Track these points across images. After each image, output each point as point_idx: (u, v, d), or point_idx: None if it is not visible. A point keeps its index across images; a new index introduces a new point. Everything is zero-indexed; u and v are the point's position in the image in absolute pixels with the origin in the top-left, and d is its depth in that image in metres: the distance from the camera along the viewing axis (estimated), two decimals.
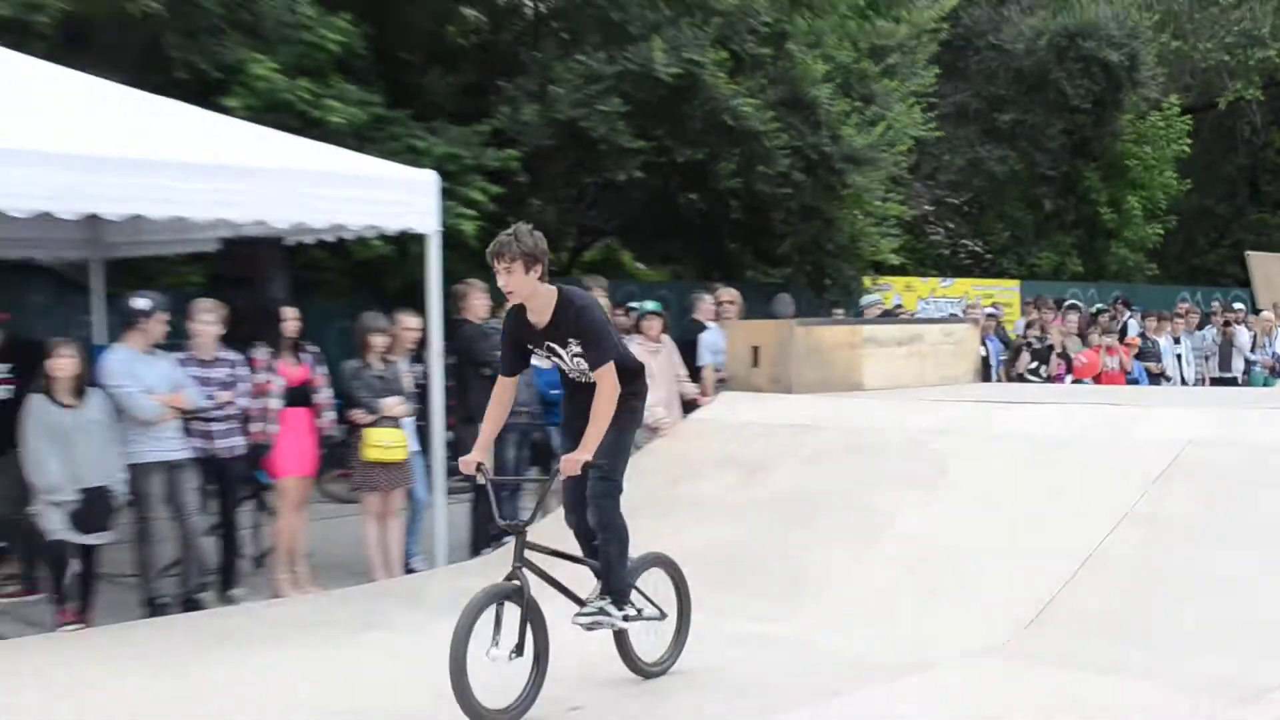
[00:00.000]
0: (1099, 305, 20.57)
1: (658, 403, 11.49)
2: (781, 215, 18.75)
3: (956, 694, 6.66)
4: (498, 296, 11.52)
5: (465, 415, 10.78)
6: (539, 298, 6.29)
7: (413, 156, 13.36)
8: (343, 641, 8.05)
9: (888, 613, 7.95)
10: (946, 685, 6.81)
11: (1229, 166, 33.60)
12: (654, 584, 6.96)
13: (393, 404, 10.02)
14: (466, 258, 14.63)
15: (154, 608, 9.08)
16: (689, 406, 11.79)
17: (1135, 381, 15.90)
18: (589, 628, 6.45)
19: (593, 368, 6.29)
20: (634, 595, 6.70)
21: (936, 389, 11.80)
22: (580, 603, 6.50)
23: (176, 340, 9.74)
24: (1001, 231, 27.21)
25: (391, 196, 10.30)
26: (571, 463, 6.20)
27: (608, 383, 6.23)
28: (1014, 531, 8.36)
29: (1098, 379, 15.46)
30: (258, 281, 10.56)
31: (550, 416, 11.49)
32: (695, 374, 12.41)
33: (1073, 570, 7.79)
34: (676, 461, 10.48)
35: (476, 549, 10.75)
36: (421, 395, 10.48)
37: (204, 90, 13.23)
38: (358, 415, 10.00)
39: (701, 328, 13.04)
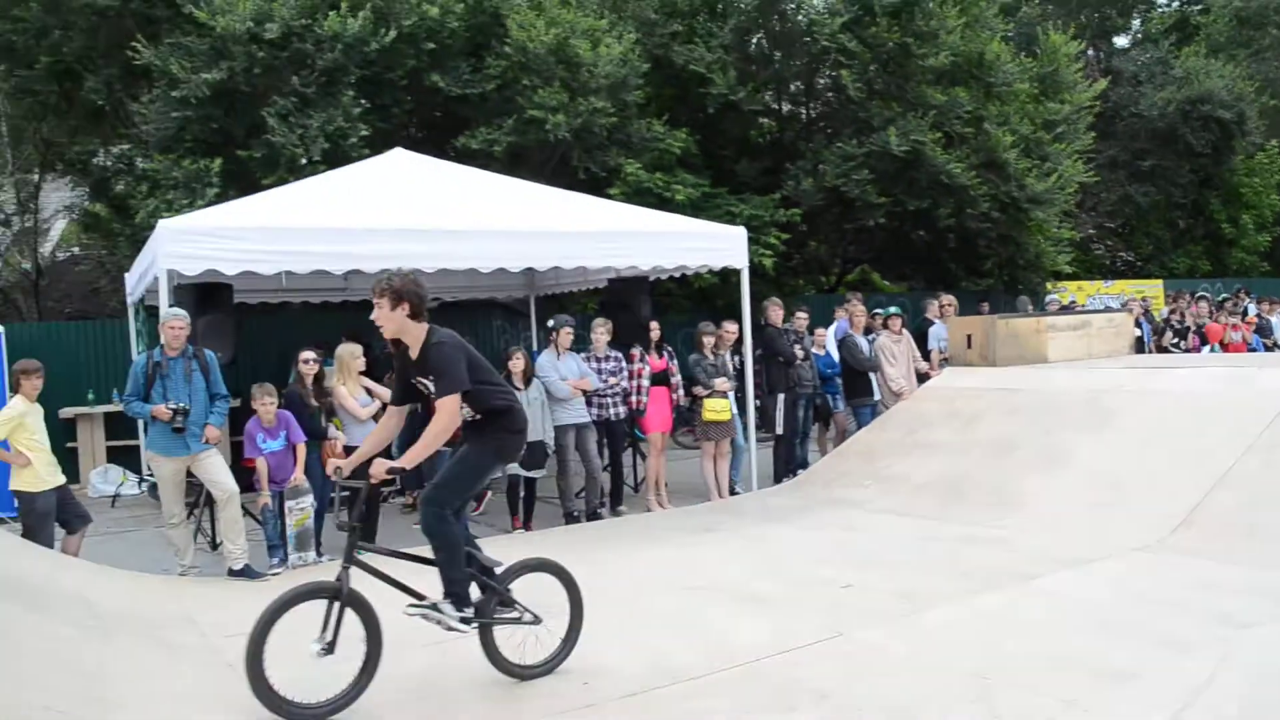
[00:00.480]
0: (1224, 295, 18.86)
1: (900, 376, 11.13)
2: (984, 242, 18.02)
3: (1120, 577, 6.26)
4: (789, 308, 11.36)
5: (768, 389, 10.63)
6: (409, 334, 4.92)
7: (729, 218, 13.23)
8: (690, 540, 8.03)
9: (1068, 521, 7.53)
10: (1113, 571, 6.40)
11: None
12: (538, 589, 5.13)
13: (721, 382, 9.92)
14: (766, 283, 14.50)
15: (570, 519, 9.24)
16: (922, 378, 11.31)
17: (1254, 350, 14.54)
18: (419, 618, 4.78)
19: (435, 397, 4.85)
20: (505, 597, 5.02)
21: (1102, 360, 11.01)
22: (421, 598, 4.81)
23: (581, 346, 9.86)
24: (1147, 245, 25.46)
25: (717, 245, 10.28)
26: (380, 466, 4.79)
27: (445, 412, 4.75)
28: (1163, 461, 7.80)
29: (1225, 348, 14.22)
30: (632, 305, 10.59)
31: (828, 389, 11.24)
32: (926, 355, 11.97)
33: (1209, 488, 7.23)
34: (914, 417, 10.11)
35: (778, 479, 10.55)
36: (739, 376, 10.35)
37: (595, 185, 13.45)
38: (698, 390, 9.95)
39: (930, 323, 12.69)
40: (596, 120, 13.63)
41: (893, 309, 11.87)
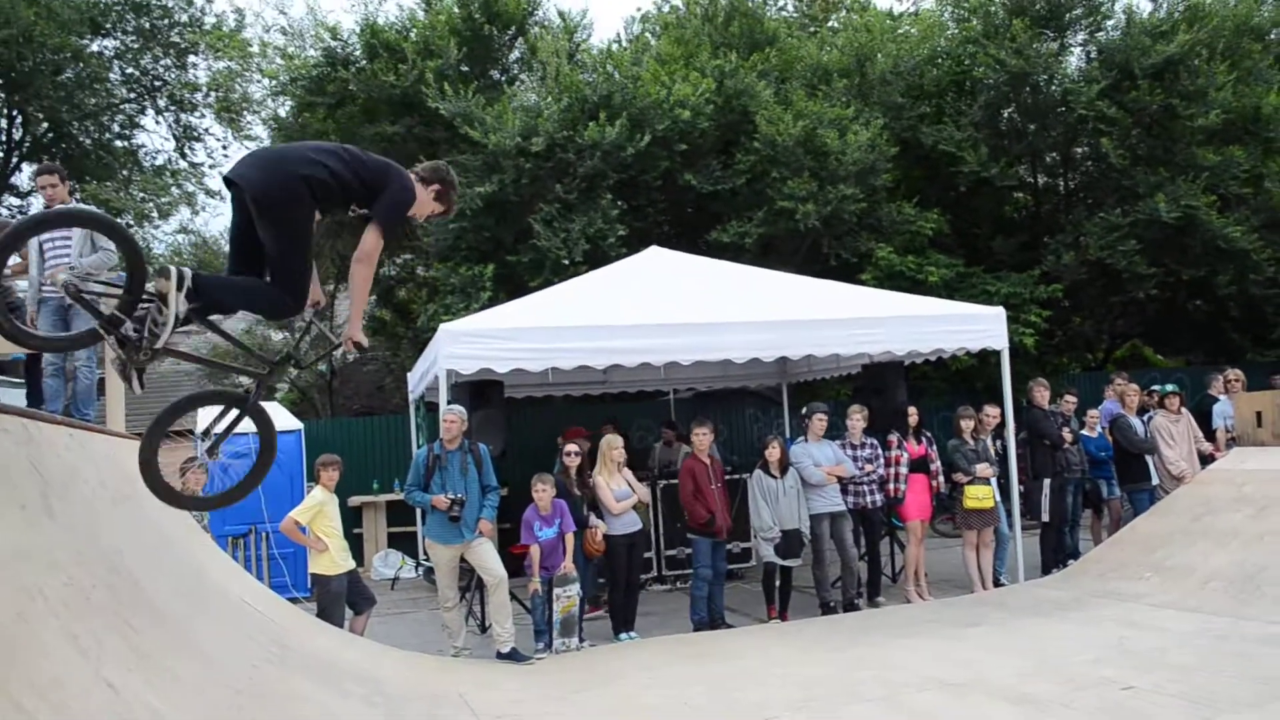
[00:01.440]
0: None
1: (1180, 458, 10.41)
2: (1272, 309, 16.56)
3: None
4: (1055, 388, 10.87)
5: (1034, 474, 10.19)
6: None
7: (986, 297, 12.92)
8: (952, 634, 7.74)
9: None
10: None
11: None
12: None
13: (983, 468, 9.60)
14: (1029, 362, 13.98)
15: (826, 609, 9.09)
16: (1205, 460, 10.50)
17: None
18: None
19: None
20: None
21: None
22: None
23: (836, 434, 9.81)
24: None
25: (973, 327, 10.03)
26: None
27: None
28: None
29: None
30: (887, 390, 10.46)
31: (1099, 473, 10.66)
32: (1210, 435, 11.11)
33: None
34: (1199, 502, 9.35)
35: (1046, 570, 10.03)
36: (1002, 461, 9.98)
37: (847, 271, 13.50)
38: (958, 477, 9.66)
39: (1213, 400, 11.77)
40: (845, 207, 13.72)
41: (1170, 386, 11.15)
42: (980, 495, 9.52)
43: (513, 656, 7.84)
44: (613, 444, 8.93)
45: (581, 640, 8.26)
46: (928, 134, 15.30)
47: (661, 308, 9.20)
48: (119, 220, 4.51)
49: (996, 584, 9.74)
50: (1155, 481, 10.52)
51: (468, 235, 13.61)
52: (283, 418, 12.16)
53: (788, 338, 9.23)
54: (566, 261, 12.74)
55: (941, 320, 9.98)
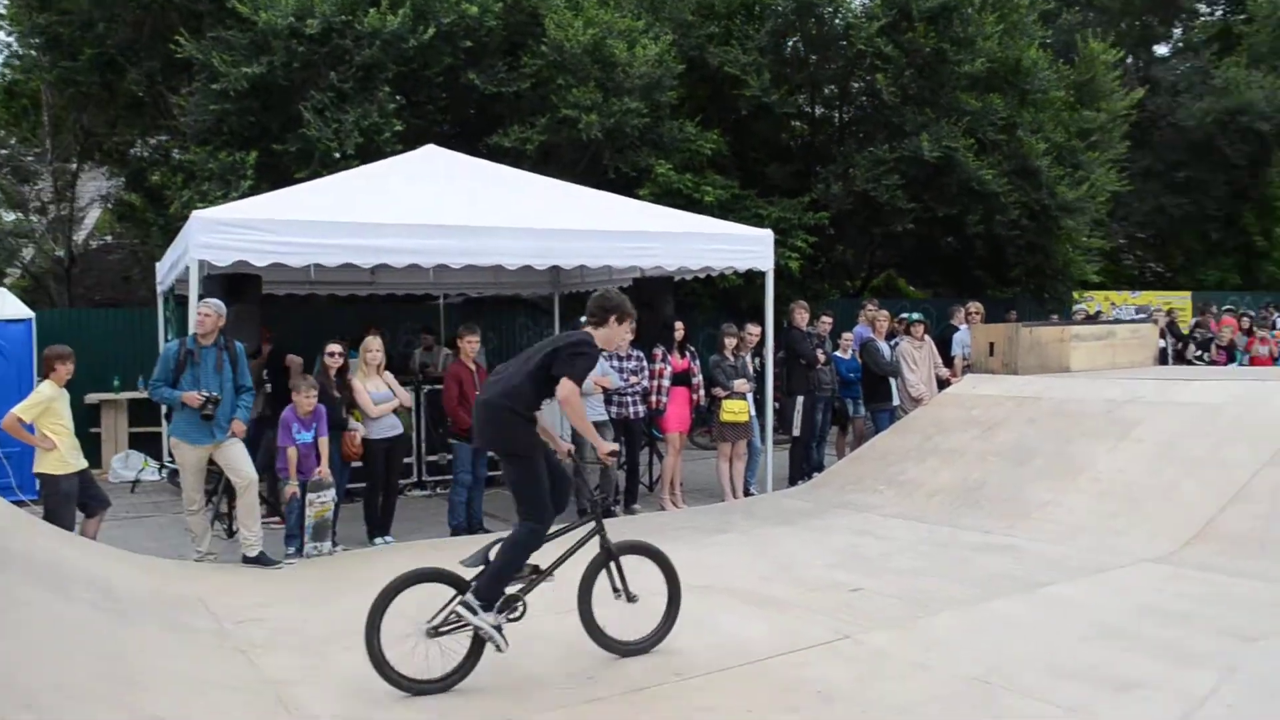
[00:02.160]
0: (1251, 309, 18.63)
1: (920, 381, 11.12)
2: (1013, 250, 17.93)
3: (1130, 588, 6.24)
4: (815, 311, 11.36)
5: (788, 391, 10.64)
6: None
7: (758, 220, 13.22)
8: (701, 541, 8.04)
9: (1082, 530, 7.53)
10: (1123, 582, 6.39)
11: None
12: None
13: (741, 384, 9.93)
14: (793, 285, 14.47)
15: (583, 515, 9.16)
16: (943, 384, 11.30)
17: None
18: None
19: None
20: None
21: (1125, 370, 10.90)
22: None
23: None
24: (1177, 256, 25.24)
25: (743, 248, 10.26)
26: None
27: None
28: (1180, 473, 7.75)
29: (1252, 361, 14.04)
30: (656, 305, 10.61)
31: (847, 393, 11.24)
32: (950, 362, 11.93)
33: (1224, 502, 7.20)
34: (932, 423, 10.06)
35: (793, 481, 10.58)
36: (759, 378, 10.36)
37: (625, 185, 13.49)
38: (717, 391, 9.96)
39: (954, 329, 12.64)
40: (629, 120, 13.67)
41: (916, 315, 11.86)
42: (736, 410, 9.87)
43: (260, 560, 7.57)
44: (369, 346, 8.64)
45: (335, 545, 8.09)
46: (715, 54, 15.42)
47: (434, 208, 8.89)
48: None
49: (746, 494, 10.19)
50: (896, 402, 11.22)
51: (230, 119, 12.70)
52: (11, 306, 11.12)
53: (562, 246, 9.14)
54: (337, 155, 12.12)
55: (713, 239, 10.14)
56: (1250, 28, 28.61)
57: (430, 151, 10.72)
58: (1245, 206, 24.81)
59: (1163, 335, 13.64)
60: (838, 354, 11.24)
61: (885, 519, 8.54)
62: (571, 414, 5.03)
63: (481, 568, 4.87)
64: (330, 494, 8.01)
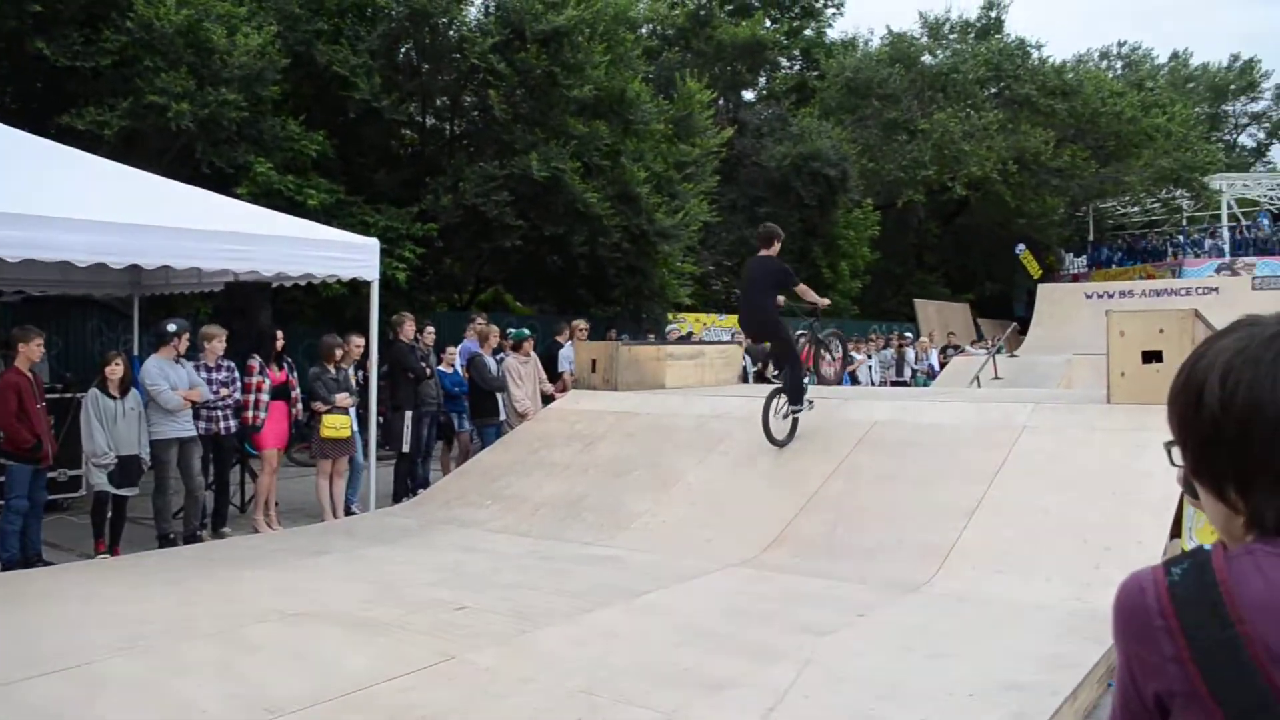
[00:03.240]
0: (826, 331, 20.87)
1: (525, 397, 11.34)
2: (614, 271, 18.84)
3: (719, 592, 6.70)
4: (420, 324, 11.24)
5: (394, 406, 10.46)
6: None
7: (364, 228, 12.93)
8: (297, 564, 7.67)
9: (676, 538, 7.96)
10: (712, 586, 6.84)
11: (903, 243, 34.35)
12: None
13: (343, 398, 9.61)
14: (399, 296, 14.28)
15: (165, 541, 8.47)
16: (547, 400, 11.61)
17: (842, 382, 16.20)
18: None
19: None
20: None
21: (713, 388, 11.78)
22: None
23: (193, 353, 9.19)
24: None
25: (347, 255, 9.89)
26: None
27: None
28: (761, 482, 8.47)
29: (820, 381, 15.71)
30: (250, 312, 10.01)
31: (453, 407, 11.23)
32: (556, 377, 12.27)
33: (799, 507, 7.91)
34: (538, 437, 10.31)
35: (397, 498, 10.40)
36: (363, 392, 10.09)
37: (222, 181, 12.64)
38: (317, 405, 9.57)
39: (560, 346, 13.00)
40: (226, 113, 12.84)
41: (525, 331, 12.10)
42: (338, 425, 9.53)
43: None
44: None
45: None
46: (323, 52, 14.91)
47: None
48: None
49: (348, 513, 9.85)
50: (503, 417, 11.37)
51: None
52: None
53: (142, 244, 8.30)
54: None
55: (315, 245, 9.70)
56: (822, 84, 32.36)
57: None
58: (815, 242, 27.76)
59: (744, 356, 14.87)
60: (441, 368, 11.20)
61: (490, 534, 8.60)
62: (805, 293, 8.97)
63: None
64: None
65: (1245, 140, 50.28)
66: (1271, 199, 36.46)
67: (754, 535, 7.70)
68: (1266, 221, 34.98)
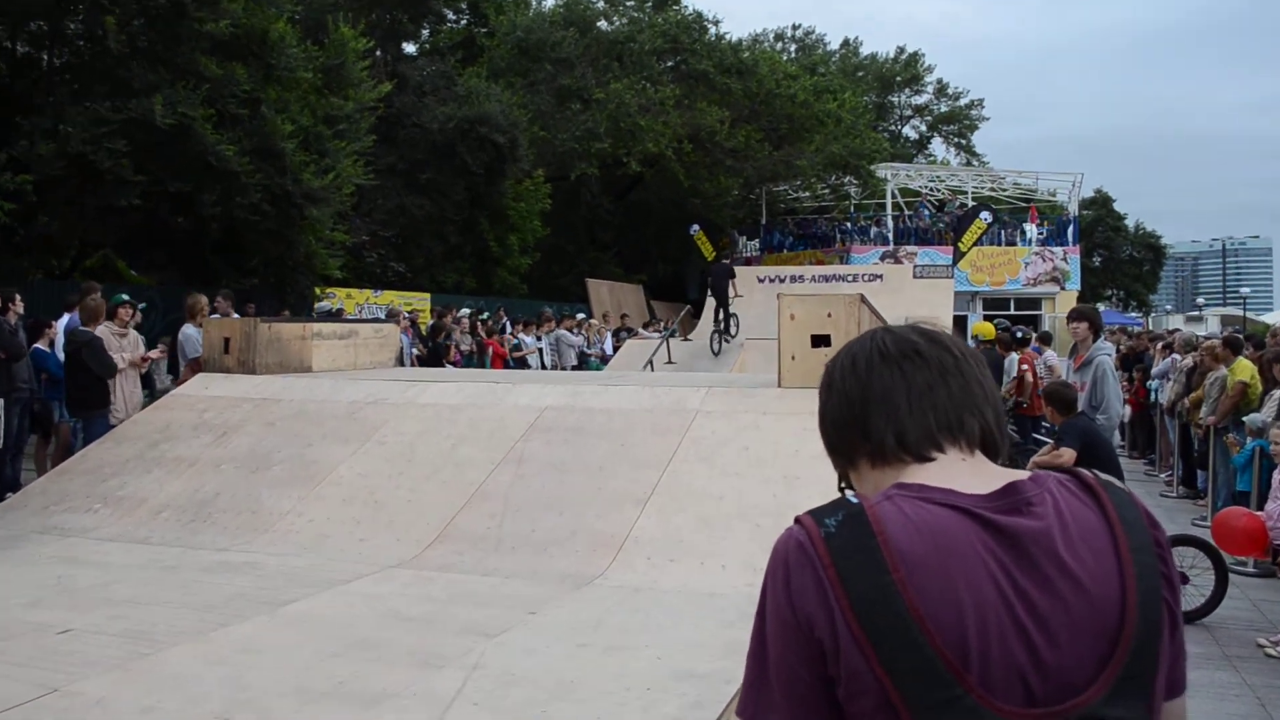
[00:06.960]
0: (486, 314, 21.00)
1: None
2: (253, 236, 17.95)
3: (377, 596, 6.53)
4: (8, 293, 10.23)
5: None
6: None
7: None
8: None
9: (327, 539, 7.72)
10: (369, 591, 6.67)
11: (575, 219, 35.21)
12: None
13: None
14: None
15: None
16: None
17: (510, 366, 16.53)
18: None
19: None
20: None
21: (367, 371, 11.57)
22: None
23: None
24: (419, 256, 27.49)
25: None
26: None
27: None
28: (422, 475, 8.36)
29: (493, 364, 15.97)
30: None
31: (52, 394, 10.40)
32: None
33: (463, 502, 7.88)
34: (157, 429, 9.66)
35: None
36: None
37: None
38: None
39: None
40: None
41: (123, 296, 11.32)
42: None
43: None
44: None
45: None
46: None
47: None
48: None
49: None
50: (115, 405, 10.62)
51: None
52: None
53: None
54: None
55: None
56: (491, 41, 32.44)
57: None
58: (482, 214, 27.90)
59: (401, 335, 14.77)
60: (39, 345, 10.29)
61: (101, 543, 7.97)
62: None
63: None
64: None
65: (909, 132, 55.88)
66: (932, 189, 40.72)
67: (414, 533, 7.62)
68: (927, 212, 38.95)
